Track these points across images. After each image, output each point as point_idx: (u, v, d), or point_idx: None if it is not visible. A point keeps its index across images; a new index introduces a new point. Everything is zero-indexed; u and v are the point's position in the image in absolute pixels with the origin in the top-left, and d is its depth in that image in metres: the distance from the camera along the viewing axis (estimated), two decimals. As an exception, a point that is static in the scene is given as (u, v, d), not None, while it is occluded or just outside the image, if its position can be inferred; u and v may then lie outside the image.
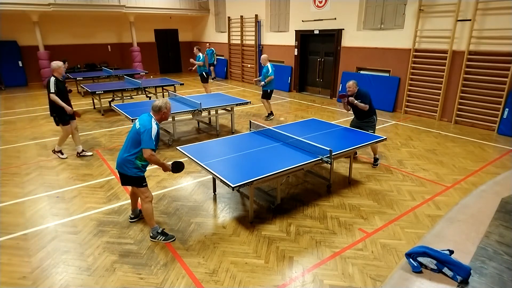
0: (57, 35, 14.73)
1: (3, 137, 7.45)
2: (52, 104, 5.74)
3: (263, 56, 8.63)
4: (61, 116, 5.82)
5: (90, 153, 6.27)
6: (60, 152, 6.11)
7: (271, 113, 8.81)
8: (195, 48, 10.74)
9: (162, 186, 5.04)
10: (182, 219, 4.15)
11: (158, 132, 3.52)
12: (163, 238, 3.71)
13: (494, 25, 7.32)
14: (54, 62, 5.78)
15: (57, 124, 5.97)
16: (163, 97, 10.79)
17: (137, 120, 3.60)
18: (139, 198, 3.94)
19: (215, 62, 14.61)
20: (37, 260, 3.43)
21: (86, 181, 5.19)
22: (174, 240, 3.73)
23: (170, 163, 3.66)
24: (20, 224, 4.08)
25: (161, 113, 3.56)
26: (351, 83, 5.59)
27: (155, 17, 16.32)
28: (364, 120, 5.66)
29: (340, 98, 5.90)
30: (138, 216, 4.11)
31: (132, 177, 3.58)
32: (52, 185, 5.09)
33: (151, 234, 3.75)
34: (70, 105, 5.86)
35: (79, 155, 6.17)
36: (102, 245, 3.65)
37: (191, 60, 10.69)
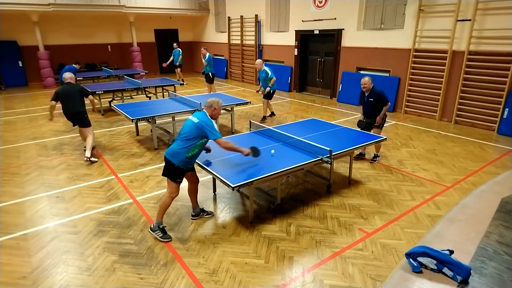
0: (57, 35, 14.74)
1: (3, 137, 7.45)
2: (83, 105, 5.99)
3: (258, 61, 8.37)
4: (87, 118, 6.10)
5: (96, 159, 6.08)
6: (93, 155, 6.02)
7: (272, 113, 8.78)
8: (202, 49, 10.71)
9: (162, 186, 5.03)
10: (182, 219, 4.15)
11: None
12: (161, 235, 3.74)
13: (494, 25, 7.32)
14: (66, 73, 6.14)
15: (88, 125, 6.10)
16: (163, 97, 10.79)
17: (191, 116, 3.76)
18: (197, 196, 4.13)
19: (178, 63, 13.96)
20: (37, 260, 3.43)
21: (86, 181, 5.19)
22: (170, 241, 3.73)
23: (247, 148, 3.93)
24: (20, 224, 4.08)
25: (212, 109, 3.74)
26: (366, 79, 5.53)
27: (155, 17, 16.33)
28: (374, 117, 5.65)
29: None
30: (198, 214, 4.15)
31: (175, 167, 3.61)
32: (52, 185, 5.09)
33: (152, 226, 3.79)
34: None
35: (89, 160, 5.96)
36: (102, 245, 3.66)
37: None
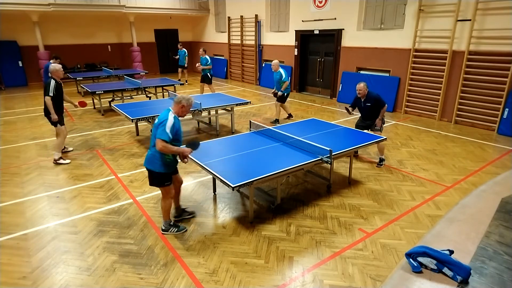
0: (57, 35, 14.74)
1: (3, 137, 7.45)
2: (45, 106, 5.65)
3: (274, 61, 8.08)
4: (59, 117, 5.76)
5: (67, 162, 5.93)
6: (61, 158, 5.92)
7: (290, 115, 8.62)
8: (201, 50, 10.67)
9: (162, 186, 5.03)
10: (182, 219, 4.15)
11: (175, 125, 3.48)
12: (176, 230, 3.82)
13: (494, 25, 7.32)
14: (52, 64, 5.70)
15: (61, 125, 5.85)
16: (163, 97, 10.79)
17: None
18: (179, 196, 4.09)
19: (185, 64, 13.89)
20: (37, 260, 3.43)
21: (86, 181, 5.19)
22: (186, 230, 3.84)
23: (183, 146, 3.64)
24: (20, 224, 4.08)
25: (180, 106, 3.57)
26: (361, 85, 5.51)
27: (155, 17, 16.33)
28: (373, 119, 5.66)
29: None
30: (181, 215, 4.13)
31: (157, 174, 3.55)
32: (52, 185, 5.09)
33: (163, 227, 3.84)
34: (62, 109, 5.89)
35: (56, 162, 5.88)
36: (102, 245, 3.65)
37: (198, 65, 10.58)
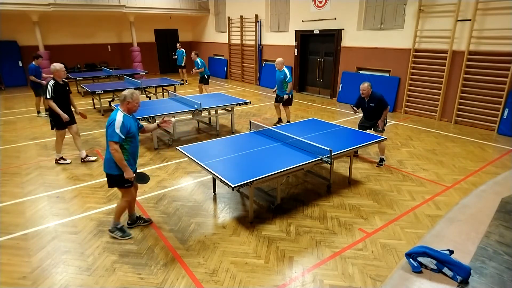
0: (57, 35, 14.74)
1: (3, 137, 7.45)
2: (50, 109, 5.49)
3: (279, 59, 7.53)
4: (58, 121, 5.54)
5: (94, 158, 6.00)
6: (62, 158, 5.90)
7: (280, 119, 8.22)
8: (193, 54, 10.51)
9: (162, 186, 5.04)
10: (182, 219, 4.15)
11: (125, 124, 3.36)
12: (120, 234, 3.76)
13: (494, 25, 7.32)
14: (53, 64, 5.46)
15: (52, 128, 5.70)
16: (163, 97, 10.79)
17: None
18: (134, 204, 3.97)
19: (183, 64, 13.80)
20: (37, 260, 3.43)
21: (86, 181, 5.19)
22: (131, 237, 3.77)
23: (138, 171, 3.55)
24: (20, 224, 4.08)
25: (126, 103, 3.45)
26: (365, 85, 5.47)
27: (155, 17, 16.32)
28: (376, 119, 5.66)
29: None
30: (135, 222, 4.01)
31: (115, 176, 3.49)
32: (52, 185, 5.09)
33: (110, 228, 3.80)
34: (70, 109, 5.67)
35: (83, 160, 5.94)
36: (102, 245, 3.65)
37: (194, 70, 10.55)
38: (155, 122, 3.80)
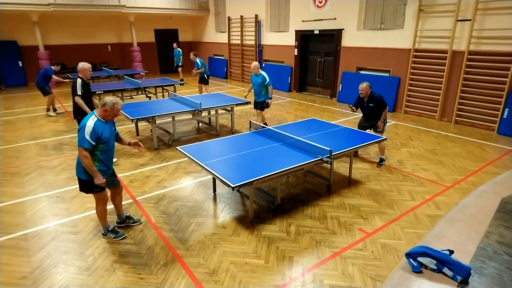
0: (57, 35, 14.74)
1: (3, 137, 7.45)
2: (77, 106, 5.60)
3: (254, 64, 7.04)
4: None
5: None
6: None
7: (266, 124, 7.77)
8: (191, 55, 10.46)
9: (162, 186, 5.04)
10: (182, 219, 4.15)
11: (95, 129, 3.27)
12: (113, 235, 3.76)
13: (494, 25, 7.32)
14: (80, 63, 5.58)
15: None
16: (163, 97, 10.79)
17: None
18: (120, 202, 3.97)
19: (180, 63, 13.61)
20: (37, 260, 3.43)
21: (86, 181, 5.19)
22: (125, 237, 3.77)
23: (103, 178, 3.45)
24: (20, 224, 4.08)
25: (103, 110, 3.37)
26: (364, 85, 5.47)
27: (155, 17, 16.33)
28: (375, 120, 5.66)
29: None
30: (124, 222, 4.01)
31: (85, 181, 3.44)
32: (52, 185, 5.09)
33: (102, 232, 3.80)
34: (93, 107, 5.74)
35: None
36: (102, 245, 3.65)
37: (193, 71, 10.55)
38: (129, 141, 3.76)
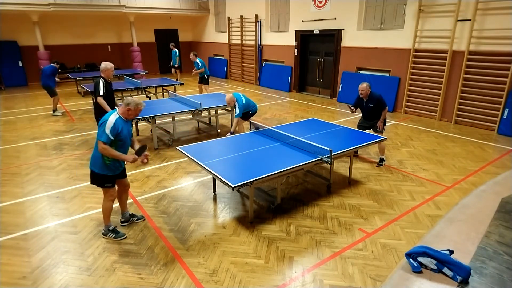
0: (57, 35, 14.74)
1: (3, 137, 7.45)
2: (99, 107, 5.62)
3: (228, 96, 6.11)
4: None
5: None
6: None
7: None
8: (191, 55, 10.42)
9: (162, 186, 5.04)
10: (182, 219, 4.15)
11: (116, 126, 3.40)
12: (114, 235, 3.77)
13: (494, 25, 7.32)
14: (103, 63, 5.59)
15: None
16: (163, 97, 10.79)
17: None
18: (126, 200, 4.01)
19: (176, 64, 13.40)
20: (37, 260, 3.43)
21: (86, 181, 5.18)
22: (125, 237, 3.78)
23: (132, 155, 3.54)
24: (20, 224, 4.08)
25: (126, 109, 3.51)
26: (364, 85, 5.47)
27: (155, 17, 16.33)
28: (375, 120, 5.66)
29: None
30: (128, 220, 4.05)
31: (97, 175, 3.56)
32: (52, 185, 5.09)
33: (103, 231, 3.81)
34: (115, 107, 5.72)
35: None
36: (102, 245, 3.65)
37: (193, 71, 10.52)
38: (136, 149, 3.73)
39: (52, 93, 9.14)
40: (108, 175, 3.58)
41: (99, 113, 5.67)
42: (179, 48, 18.32)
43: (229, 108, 7.52)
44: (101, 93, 5.51)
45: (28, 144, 6.96)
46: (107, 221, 3.78)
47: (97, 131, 3.46)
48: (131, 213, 4.11)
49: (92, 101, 5.67)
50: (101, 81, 5.54)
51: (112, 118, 3.43)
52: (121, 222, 4.03)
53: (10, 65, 13.79)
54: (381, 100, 5.51)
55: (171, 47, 13.48)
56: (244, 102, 6.07)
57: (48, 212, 4.33)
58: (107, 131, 3.36)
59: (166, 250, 3.56)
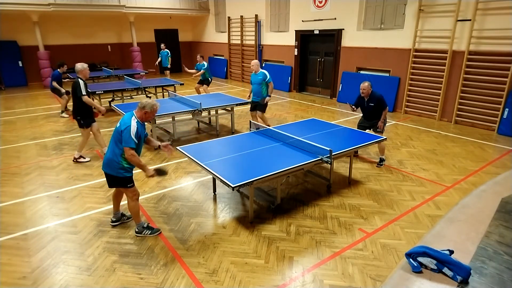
0: (57, 35, 14.74)
1: (3, 137, 7.45)
2: (79, 106, 5.62)
3: (254, 62, 6.99)
4: (86, 119, 5.74)
5: (86, 160, 5.99)
6: (82, 157, 5.95)
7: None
8: (198, 56, 10.43)
9: (162, 186, 5.04)
10: (182, 219, 4.15)
11: (138, 131, 3.47)
12: (149, 232, 3.79)
13: (494, 25, 7.32)
14: (78, 64, 5.63)
15: (81, 127, 5.82)
16: (163, 97, 10.79)
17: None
18: (121, 201, 4.01)
19: (169, 66, 13.24)
20: (37, 260, 3.43)
21: (86, 181, 5.19)
22: (160, 232, 3.82)
23: (153, 167, 3.62)
24: (20, 224, 4.08)
25: (143, 112, 3.54)
26: (366, 84, 5.48)
27: (155, 17, 16.33)
28: (375, 120, 5.66)
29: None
30: (120, 219, 4.05)
31: (118, 178, 3.58)
32: (52, 185, 5.09)
33: (136, 230, 3.81)
34: (91, 109, 5.85)
35: (76, 161, 5.95)
36: (102, 245, 3.65)
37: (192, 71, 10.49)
38: (159, 143, 3.87)
39: (61, 94, 9.23)
40: (128, 177, 3.63)
41: (80, 113, 5.70)
42: (180, 49, 18.33)
43: (229, 108, 7.52)
44: (84, 92, 5.53)
45: (28, 144, 6.96)
46: (138, 220, 3.79)
47: (118, 135, 3.45)
48: (122, 212, 4.12)
49: (73, 103, 5.69)
50: (81, 82, 5.56)
51: (134, 123, 3.45)
52: (112, 221, 4.02)
53: (10, 65, 13.78)
54: (382, 100, 5.51)
55: (162, 47, 13.10)
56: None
57: (48, 212, 4.33)
58: (133, 136, 3.40)
59: (166, 250, 3.57)
